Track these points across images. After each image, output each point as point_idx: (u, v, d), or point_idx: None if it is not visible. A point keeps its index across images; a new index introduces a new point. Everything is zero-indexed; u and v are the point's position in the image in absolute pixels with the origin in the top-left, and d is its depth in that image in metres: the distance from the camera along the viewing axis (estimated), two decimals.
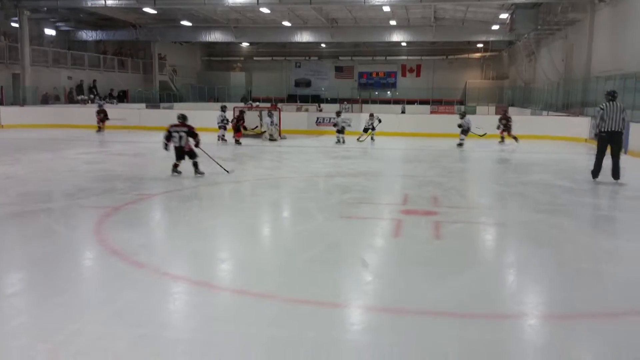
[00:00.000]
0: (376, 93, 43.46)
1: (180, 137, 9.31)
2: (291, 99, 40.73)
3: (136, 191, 8.17)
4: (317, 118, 20.80)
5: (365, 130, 16.49)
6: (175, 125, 9.45)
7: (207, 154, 9.67)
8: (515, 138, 16.04)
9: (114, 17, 31.63)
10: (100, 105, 18.78)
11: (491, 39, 33.32)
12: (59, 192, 8.08)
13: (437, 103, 38.04)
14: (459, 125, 15.27)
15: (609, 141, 8.99)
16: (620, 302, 4.09)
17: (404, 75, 44.18)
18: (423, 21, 31.74)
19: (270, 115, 17.11)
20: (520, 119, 22.62)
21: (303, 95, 42.75)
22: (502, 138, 16.36)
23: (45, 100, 26.79)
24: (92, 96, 29.74)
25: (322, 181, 9.81)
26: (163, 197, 8.03)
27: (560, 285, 4.41)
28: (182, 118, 9.60)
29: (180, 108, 30.54)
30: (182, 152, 9.37)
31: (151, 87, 36.61)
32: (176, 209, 7.46)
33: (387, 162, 12.64)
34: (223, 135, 15.76)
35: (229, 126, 15.73)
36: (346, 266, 4.82)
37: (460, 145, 15.10)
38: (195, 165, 9.38)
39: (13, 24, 25.93)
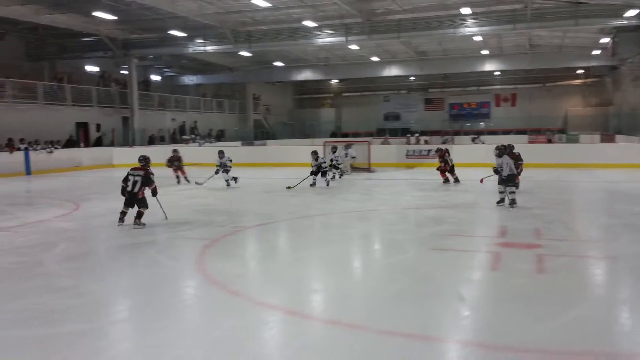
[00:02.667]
0: (468, 124, 42.39)
1: (135, 182, 8.10)
2: (380, 133, 40.81)
3: (233, 224, 8.50)
4: (407, 150, 20.60)
5: (335, 166, 14.22)
6: (134, 169, 8.30)
7: (158, 203, 8.64)
8: (456, 179, 13.51)
9: (213, 61, 33.83)
10: (175, 151, 16.16)
11: (592, 64, 31.58)
12: (163, 225, 8.58)
13: (535, 132, 36.26)
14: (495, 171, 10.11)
15: None
16: None
17: (498, 105, 42.76)
18: (517, 49, 30.76)
19: (345, 148, 17.14)
20: (628, 147, 21.16)
21: (392, 129, 42.70)
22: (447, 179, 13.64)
23: (152, 141, 28.89)
24: (193, 136, 31.66)
25: (412, 213, 9.65)
26: (258, 229, 8.28)
27: None
28: (143, 160, 8.39)
29: (272, 145, 31.79)
30: (133, 199, 8.17)
31: (246, 126, 38.34)
32: (270, 240, 7.66)
33: (480, 194, 12.02)
34: (337, 175, 14.30)
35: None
36: (440, 299, 4.66)
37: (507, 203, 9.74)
38: (139, 215, 8.18)
39: (122, 72, 28.41)
